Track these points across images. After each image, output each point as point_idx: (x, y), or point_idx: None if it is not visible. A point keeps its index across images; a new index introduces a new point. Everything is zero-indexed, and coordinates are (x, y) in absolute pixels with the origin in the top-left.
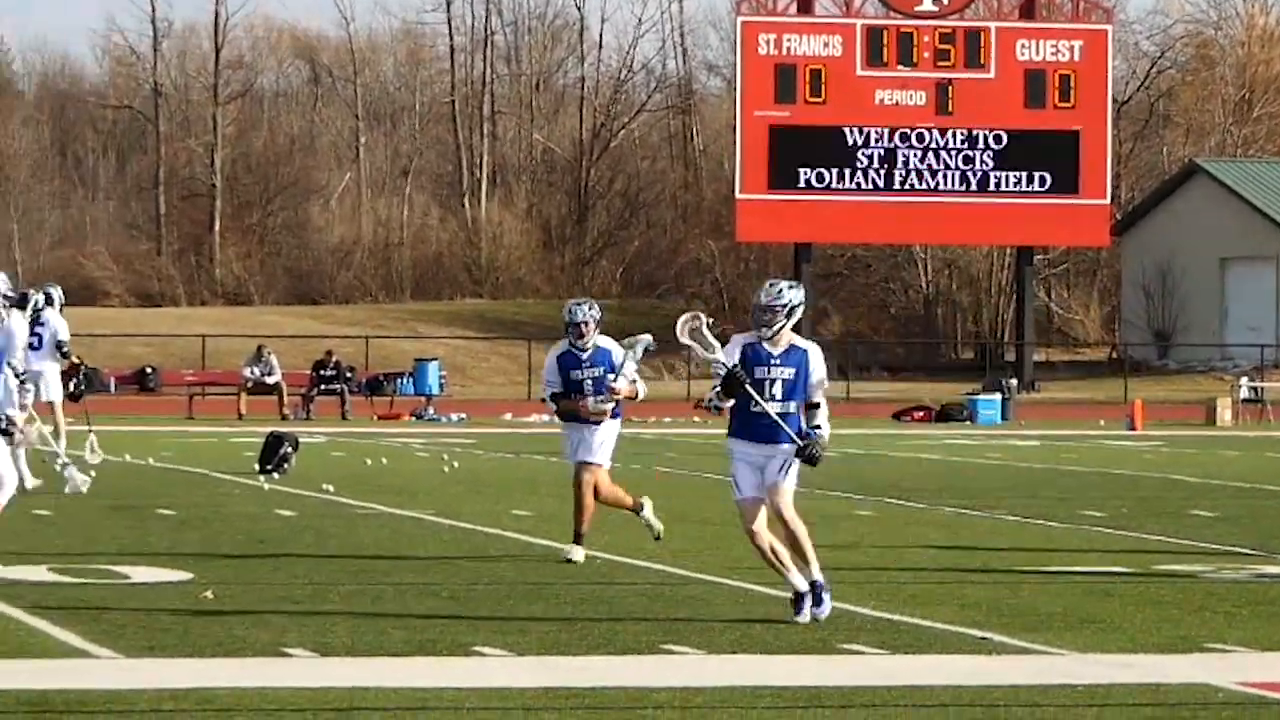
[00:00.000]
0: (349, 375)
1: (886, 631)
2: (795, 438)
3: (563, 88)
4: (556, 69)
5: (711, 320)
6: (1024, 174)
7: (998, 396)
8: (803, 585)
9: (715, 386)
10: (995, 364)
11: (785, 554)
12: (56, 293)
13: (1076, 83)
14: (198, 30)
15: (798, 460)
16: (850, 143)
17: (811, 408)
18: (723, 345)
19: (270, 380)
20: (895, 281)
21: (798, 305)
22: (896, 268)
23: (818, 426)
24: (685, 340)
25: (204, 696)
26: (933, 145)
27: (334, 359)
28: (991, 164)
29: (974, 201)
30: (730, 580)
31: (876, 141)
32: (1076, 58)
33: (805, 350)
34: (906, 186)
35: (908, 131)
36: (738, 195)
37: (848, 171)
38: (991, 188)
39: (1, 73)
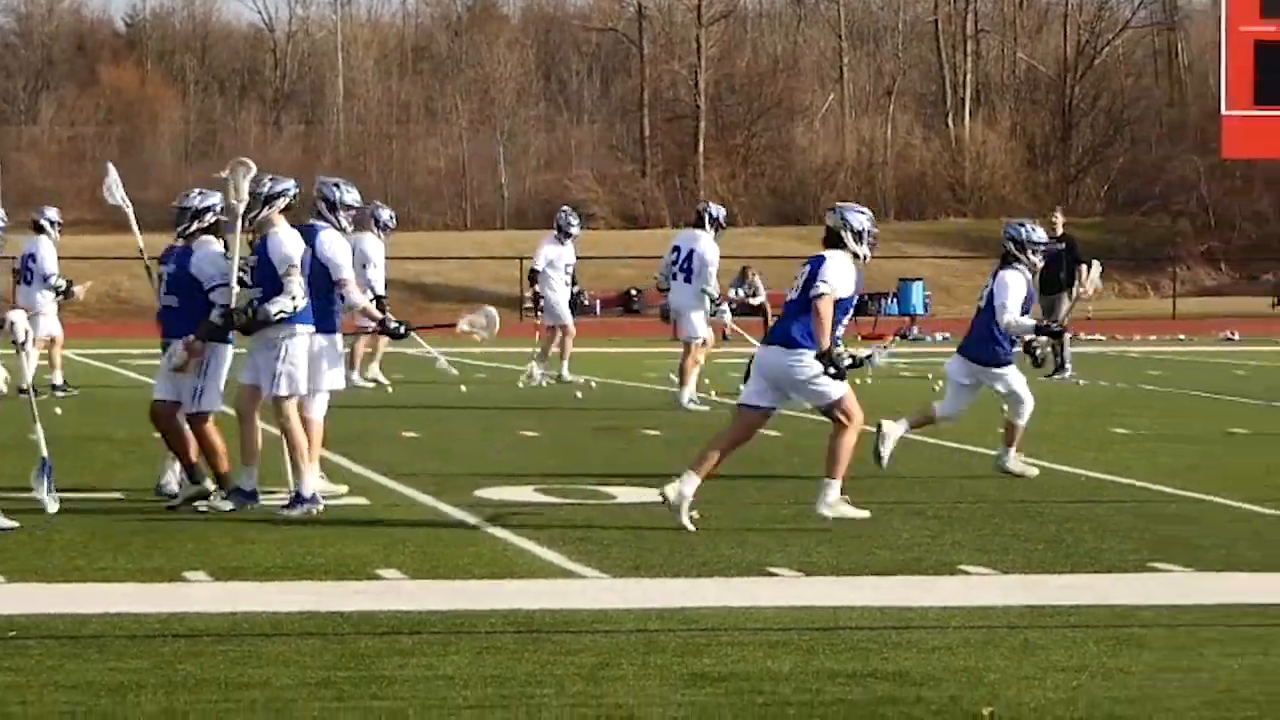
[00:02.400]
0: None
1: None
2: None
3: (1046, 5)
4: None
5: None
6: None
7: None
8: None
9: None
10: None
11: None
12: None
13: None
14: None
15: None
16: None
17: None
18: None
19: (755, 301)
20: None
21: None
22: None
23: None
24: None
25: (689, 616)
26: None
27: None
28: None
29: None
30: (1217, 497)
31: None
32: None
33: None
34: None
35: None
36: (1223, 112)
37: None
38: None
39: None
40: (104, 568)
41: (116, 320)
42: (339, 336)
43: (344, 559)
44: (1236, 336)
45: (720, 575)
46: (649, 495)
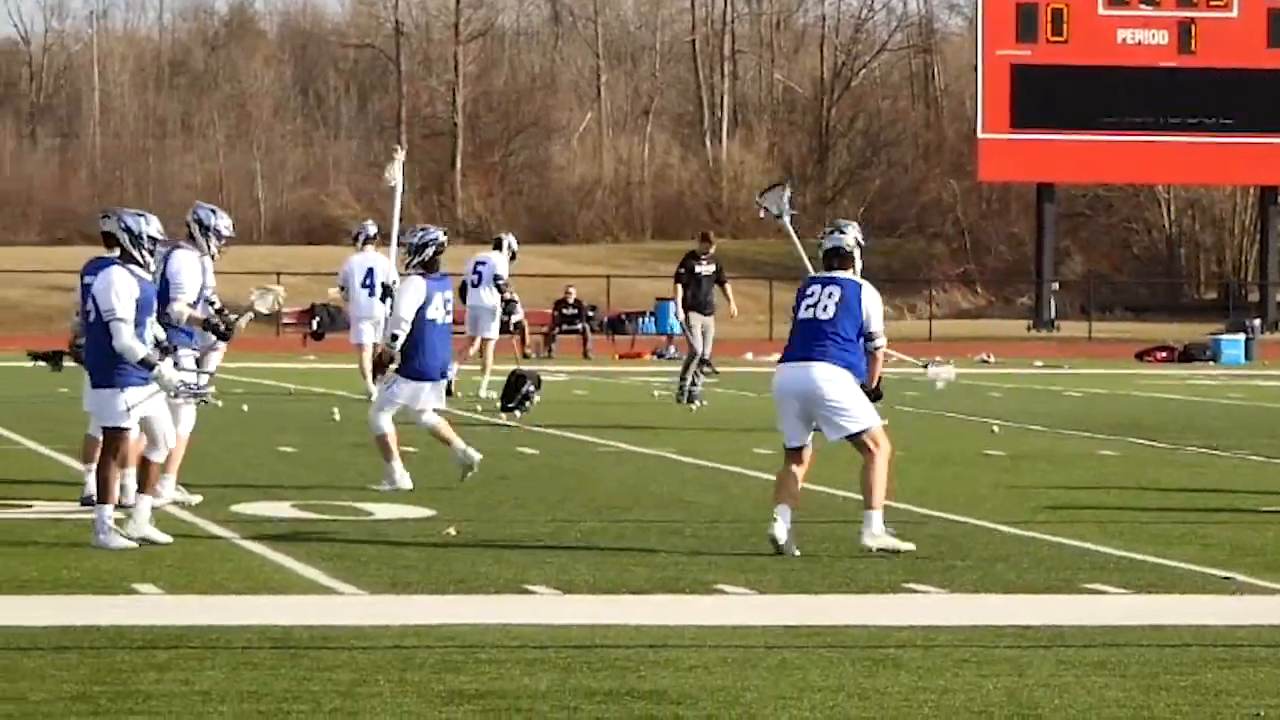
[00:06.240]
0: (590, 314)
1: (1129, 571)
2: None
3: (803, 26)
4: (797, 8)
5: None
6: (1267, 113)
7: (1241, 336)
8: None
9: None
10: (1239, 304)
11: None
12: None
13: None
14: None
15: None
16: (1092, 82)
17: None
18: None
19: (512, 319)
20: (1138, 221)
21: None
22: (1139, 207)
23: None
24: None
25: (447, 633)
26: (1174, 85)
27: (573, 297)
28: (1233, 104)
29: (1216, 141)
30: (972, 519)
31: (1118, 81)
32: None
33: None
34: (1148, 126)
35: (1149, 71)
36: (979, 135)
37: (1089, 111)
38: (1234, 127)
39: (244, 12)
40: None
41: None
42: None
43: (99, 573)
44: (992, 359)
45: (478, 593)
46: (405, 512)
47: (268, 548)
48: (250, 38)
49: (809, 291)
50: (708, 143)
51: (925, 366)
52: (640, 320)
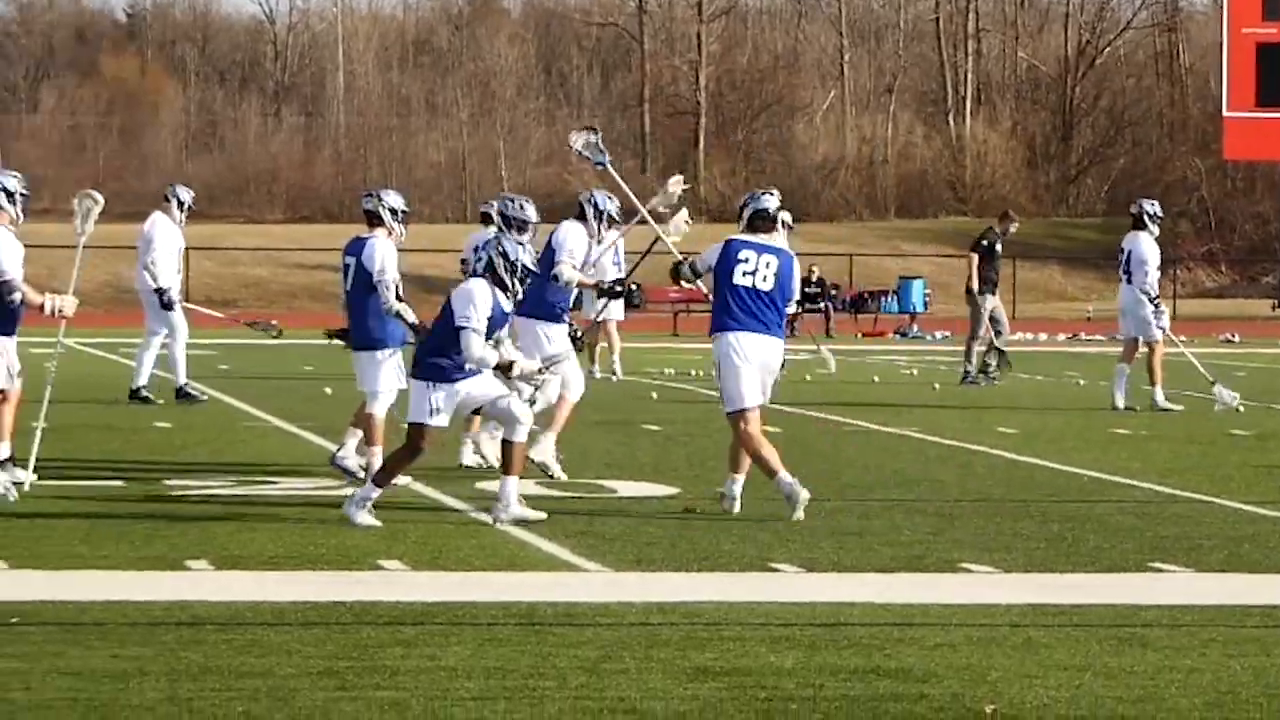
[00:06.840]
0: (833, 292)
1: None
2: None
3: (1047, 5)
4: None
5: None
6: None
7: None
8: None
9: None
10: None
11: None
12: None
13: None
14: None
15: None
16: None
17: None
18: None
19: None
20: None
21: None
22: None
23: None
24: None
25: (691, 610)
26: None
27: (816, 275)
28: None
29: None
30: (1219, 499)
31: None
32: None
33: None
34: None
35: None
36: (1224, 113)
37: None
38: None
39: None
40: (106, 555)
41: (117, 310)
42: None
43: (345, 549)
44: (1237, 339)
45: (722, 570)
46: (649, 490)
47: (512, 525)
48: (494, 16)
49: (743, 257)
50: (951, 121)
51: (1213, 383)
52: (884, 299)
